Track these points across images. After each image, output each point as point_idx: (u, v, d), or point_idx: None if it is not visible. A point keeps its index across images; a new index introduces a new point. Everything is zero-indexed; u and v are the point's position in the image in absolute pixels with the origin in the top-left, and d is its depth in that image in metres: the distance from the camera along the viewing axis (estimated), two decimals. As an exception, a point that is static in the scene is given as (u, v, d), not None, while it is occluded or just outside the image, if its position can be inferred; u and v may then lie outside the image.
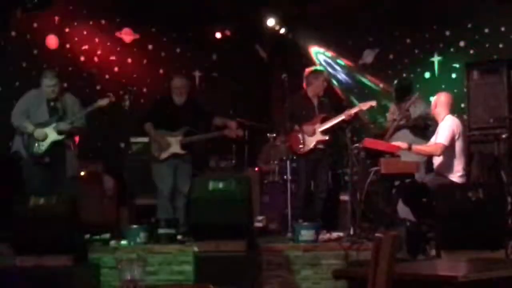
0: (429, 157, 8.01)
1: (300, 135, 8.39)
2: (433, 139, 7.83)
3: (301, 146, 8.38)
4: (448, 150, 7.62)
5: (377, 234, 3.56)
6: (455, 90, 9.43)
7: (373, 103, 8.42)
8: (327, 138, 8.42)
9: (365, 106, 8.38)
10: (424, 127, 8.82)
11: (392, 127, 8.78)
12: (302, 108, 8.50)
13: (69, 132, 8.20)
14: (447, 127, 7.65)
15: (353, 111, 8.37)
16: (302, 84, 8.68)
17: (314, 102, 8.61)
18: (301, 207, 8.39)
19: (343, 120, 8.33)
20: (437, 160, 7.77)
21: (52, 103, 8.22)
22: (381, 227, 7.48)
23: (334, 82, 11.29)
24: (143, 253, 7.20)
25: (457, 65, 10.18)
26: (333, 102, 9.16)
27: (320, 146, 8.45)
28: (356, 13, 10.55)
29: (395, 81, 9.50)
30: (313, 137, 8.40)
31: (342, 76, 11.48)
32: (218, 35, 11.01)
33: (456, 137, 7.64)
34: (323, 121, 8.44)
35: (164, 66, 11.22)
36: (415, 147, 7.80)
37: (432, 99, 8.05)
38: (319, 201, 8.49)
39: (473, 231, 6.35)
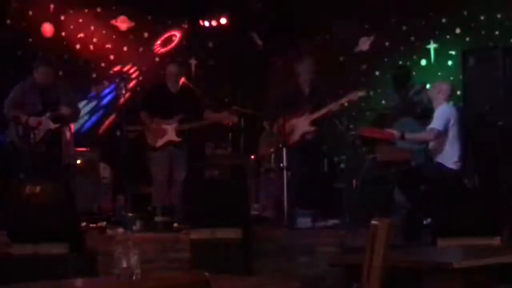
0: (426, 143, 8.00)
1: (287, 127, 8.24)
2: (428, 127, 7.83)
3: (287, 137, 8.25)
4: (444, 137, 7.62)
5: (372, 222, 3.56)
6: (451, 78, 9.40)
7: (362, 92, 8.34)
8: (313, 129, 8.33)
9: (355, 96, 8.30)
10: (425, 115, 8.81)
11: (392, 114, 8.77)
12: (291, 97, 8.37)
13: (65, 117, 8.18)
14: (442, 113, 7.65)
15: (342, 101, 8.28)
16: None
17: (305, 91, 8.49)
18: (296, 194, 8.36)
19: (331, 111, 8.28)
20: (433, 147, 7.77)
21: (45, 91, 8.21)
22: (377, 214, 7.48)
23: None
24: (139, 241, 7.20)
25: (453, 52, 10.15)
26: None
27: (309, 137, 8.39)
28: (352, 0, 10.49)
29: (393, 69, 9.48)
30: (300, 129, 8.33)
31: None
32: (213, 22, 10.97)
33: (451, 124, 7.64)
34: (312, 112, 8.34)
35: (160, 54, 11.19)
36: (408, 135, 7.80)
37: (433, 86, 8.02)
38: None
39: (468, 218, 6.36)
